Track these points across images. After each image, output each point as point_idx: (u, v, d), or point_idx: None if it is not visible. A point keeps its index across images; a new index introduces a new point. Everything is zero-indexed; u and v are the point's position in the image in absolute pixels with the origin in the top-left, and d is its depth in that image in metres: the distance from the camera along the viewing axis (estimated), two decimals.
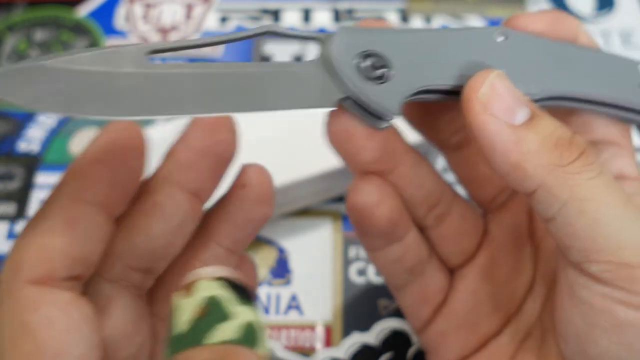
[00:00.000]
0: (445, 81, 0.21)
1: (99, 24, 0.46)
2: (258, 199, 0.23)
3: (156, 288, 0.24)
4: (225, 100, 0.19)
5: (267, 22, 0.46)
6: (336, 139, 0.22)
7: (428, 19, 0.46)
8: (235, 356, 0.17)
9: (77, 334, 0.19)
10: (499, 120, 0.20)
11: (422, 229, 0.26)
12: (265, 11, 0.47)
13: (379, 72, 0.20)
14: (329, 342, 0.33)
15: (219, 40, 0.20)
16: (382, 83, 0.20)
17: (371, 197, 0.24)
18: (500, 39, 0.22)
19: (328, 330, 0.33)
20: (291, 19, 0.46)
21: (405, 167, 0.24)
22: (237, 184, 0.23)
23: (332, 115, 0.21)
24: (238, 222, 0.23)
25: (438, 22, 0.46)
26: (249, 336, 0.18)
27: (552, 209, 0.20)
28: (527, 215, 0.26)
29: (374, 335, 0.33)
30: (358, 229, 0.25)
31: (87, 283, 0.20)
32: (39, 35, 0.46)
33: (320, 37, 0.21)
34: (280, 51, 0.45)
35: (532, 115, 0.20)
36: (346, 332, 0.33)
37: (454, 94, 0.21)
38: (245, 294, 0.19)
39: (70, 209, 0.19)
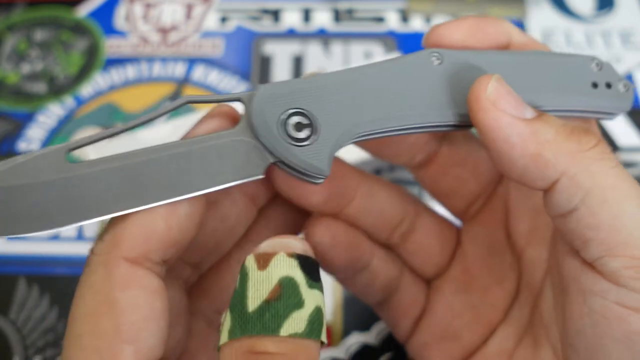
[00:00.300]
0: (383, 125, 0.20)
1: (99, 24, 0.46)
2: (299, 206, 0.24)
3: (197, 285, 0.24)
4: (151, 190, 0.19)
5: (266, 22, 0.46)
6: (283, 188, 0.23)
7: (428, 19, 0.46)
8: (305, 353, 0.17)
9: (156, 324, 0.19)
10: (510, 114, 0.20)
11: (389, 247, 0.26)
12: (265, 11, 0.47)
13: (305, 132, 0.20)
14: (329, 342, 0.33)
15: (138, 123, 0.19)
16: (309, 145, 0.19)
17: (324, 239, 0.24)
18: (436, 62, 0.21)
19: (328, 331, 0.33)
20: (291, 19, 0.46)
21: (361, 199, 0.24)
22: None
23: (273, 168, 0.21)
24: (277, 228, 0.25)
25: (438, 22, 0.46)
26: (316, 325, 0.18)
27: (575, 198, 0.19)
28: (502, 226, 0.26)
29: (374, 335, 0.33)
30: (322, 266, 0.25)
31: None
32: (39, 35, 0.46)
33: (241, 97, 0.20)
34: (280, 51, 0.45)
35: (539, 113, 0.20)
36: (346, 332, 0.33)
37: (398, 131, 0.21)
38: (316, 273, 0.18)
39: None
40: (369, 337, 0.33)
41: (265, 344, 0.17)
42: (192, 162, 0.19)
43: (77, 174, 0.18)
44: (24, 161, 0.18)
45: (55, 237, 0.37)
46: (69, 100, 0.42)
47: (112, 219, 0.19)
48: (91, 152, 0.38)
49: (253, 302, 0.17)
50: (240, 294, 0.18)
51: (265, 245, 0.18)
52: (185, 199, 0.19)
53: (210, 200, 0.22)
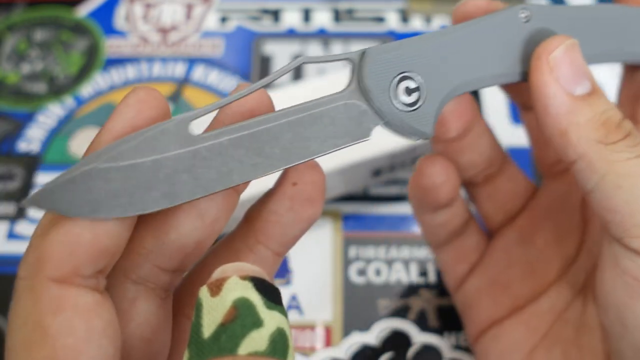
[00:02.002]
0: (481, 84, 0.22)
1: (99, 24, 0.46)
2: (309, 199, 0.21)
3: (190, 288, 0.22)
4: (272, 159, 0.19)
5: (266, 22, 0.46)
6: None
7: (428, 19, 0.46)
8: None
9: (97, 344, 0.17)
10: (560, 86, 0.21)
11: (469, 186, 0.27)
12: (265, 11, 0.47)
13: (413, 96, 0.20)
14: (329, 342, 0.33)
15: (259, 86, 0.19)
16: (416, 109, 0.20)
17: (439, 178, 0.25)
18: (524, 20, 0.22)
19: (328, 330, 0.33)
20: (291, 19, 0.46)
21: (472, 136, 0.25)
22: (287, 181, 0.21)
23: None
24: (287, 224, 0.21)
25: (438, 22, 0.46)
26: (279, 345, 0.17)
27: (591, 181, 0.21)
28: (579, 189, 0.27)
29: (374, 335, 0.33)
30: (417, 202, 0.27)
31: (111, 283, 0.19)
32: (39, 35, 0.46)
33: (350, 57, 0.20)
34: (280, 51, 0.45)
35: (591, 90, 0.21)
36: (346, 332, 0.33)
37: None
38: (274, 295, 0.18)
39: None
40: (369, 337, 0.33)
41: None
42: (307, 128, 0.19)
43: (203, 146, 0.18)
44: (150, 135, 0.18)
45: None
46: (69, 100, 0.42)
47: (34, 235, 0.18)
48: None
49: (208, 328, 0.17)
50: (196, 325, 0.17)
51: (217, 273, 0.17)
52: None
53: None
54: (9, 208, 0.38)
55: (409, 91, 0.20)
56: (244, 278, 0.17)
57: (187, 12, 0.47)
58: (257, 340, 0.16)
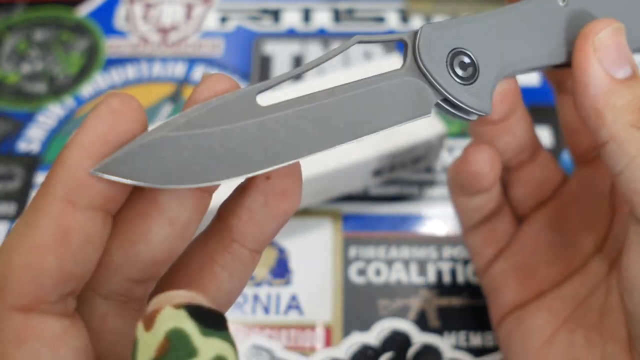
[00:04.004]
0: (527, 65, 0.22)
1: (99, 24, 0.46)
2: (284, 192, 0.19)
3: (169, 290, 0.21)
4: (337, 132, 0.19)
5: (266, 22, 0.46)
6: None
7: (428, 19, 0.46)
8: None
9: None
10: (602, 67, 0.21)
11: (502, 170, 0.28)
12: (265, 11, 0.47)
13: (469, 71, 0.21)
14: (329, 342, 0.33)
15: (319, 62, 0.20)
16: (472, 83, 0.21)
17: (484, 167, 0.26)
18: (561, 3, 0.23)
19: (328, 330, 0.33)
20: (291, 19, 0.46)
21: (513, 120, 0.26)
22: (260, 175, 0.19)
23: None
24: (262, 220, 0.20)
25: None
26: None
27: (620, 163, 0.21)
28: (610, 177, 0.27)
29: (374, 335, 0.33)
30: (457, 187, 0.27)
31: (79, 300, 0.18)
32: (39, 35, 0.46)
33: (403, 38, 0.21)
34: (280, 51, 0.45)
35: (632, 75, 0.22)
36: (346, 332, 0.33)
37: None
38: (213, 321, 0.17)
39: (62, 217, 0.16)
40: (369, 337, 0.33)
41: None
42: (368, 103, 0.19)
43: (270, 117, 0.18)
44: (219, 104, 0.18)
45: None
46: (69, 100, 0.42)
47: None
48: None
49: None
50: None
51: (151, 305, 0.16)
52: (79, 223, 0.16)
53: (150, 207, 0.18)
54: (9, 208, 0.38)
55: (463, 66, 0.21)
56: (177, 307, 0.16)
57: (187, 12, 0.47)
58: None
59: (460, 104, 0.21)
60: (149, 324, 0.16)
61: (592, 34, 0.22)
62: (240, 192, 0.20)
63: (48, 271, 0.16)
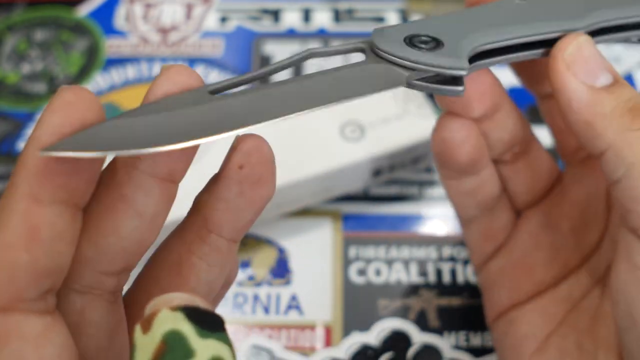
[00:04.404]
0: (494, 40, 0.22)
1: (99, 24, 0.46)
2: (259, 180, 0.19)
3: (144, 289, 0.21)
4: (288, 103, 0.19)
5: (266, 22, 0.46)
6: (443, 104, 0.25)
7: None
8: None
9: None
10: (579, 80, 0.21)
11: (497, 164, 0.27)
12: (265, 11, 0.47)
13: (430, 44, 0.21)
14: (329, 342, 0.33)
15: (262, 74, 0.20)
16: (440, 48, 0.21)
17: (458, 134, 0.25)
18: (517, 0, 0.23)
19: (328, 330, 0.33)
20: (291, 19, 0.46)
21: (500, 116, 0.26)
22: (232, 165, 0.19)
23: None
24: (238, 209, 0.20)
25: None
26: None
27: (618, 171, 0.21)
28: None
29: (374, 335, 0.33)
30: (439, 160, 0.27)
31: (56, 297, 0.18)
32: (39, 35, 0.46)
33: (359, 45, 0.21)
34: (280, 51, 0.45)
35: (613, 81, 0.22)
36: (346, 332, 0.33)
37: (516, 50, 0.22)
38: (210, 323, 0.17)
39: (29, 214, 0.16)
40: (369, 337, 0.33)
41: None
42: (332, 83, 0.20)
43: (220, 101, 0.18)
44: (170, 96, 0.18)
45: None
46: None
47: None
48: None
49: None
50: None
51: (148, 308, 0.16)
52: (48, 218, 0.16)
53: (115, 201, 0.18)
54: None
55: (424, 42, 0.21)
56: (174, 309, 0.16)
57: (187, 12, 0.47)
58: None
59: (432, 68, 0.20)
60: (146, 326, 0.16)
61: (561, 53, 0.22)
62: (214, 183, 0.20)
63: (22, 268, 0.16)
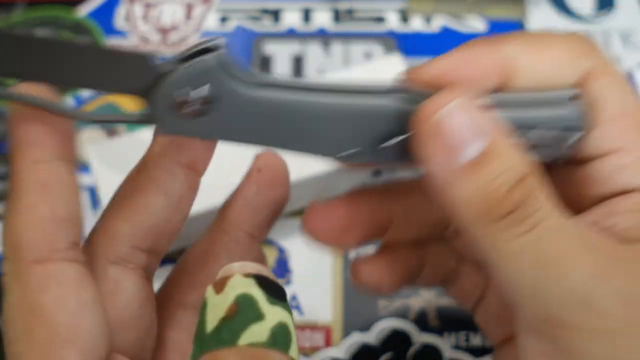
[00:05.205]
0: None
1: (99, 24, 0.46)
2: (273, 181, 0.24)
3: (179, 278, 0.24)
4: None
5: (266, 22, 0.46)
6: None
7: (428, 19, 0.46)
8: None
9: (88, 316, 0.18)
10: (442, 156, 0.18)
11: (445, 240, 0.26)
12: (265, 11, 0.47)
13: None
14: (329, 342, 0.33)
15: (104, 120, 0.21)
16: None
17: (372, 278, 0.25)
18: None
19: (328, 330, 0.33)
20: (291, 19, 0.46)
21: (399, 221, 0.24)
22: (253, 169, 0.24)
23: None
24: (256, 206, 0.24)
25: (438, 22, 0.46)
26: (281, 338, 0.17)
27: (478, 254, 0.19)
28: None
29: (374, 335, 0.33)
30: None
31: (95, 268, 0.20)
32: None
33: (136, 117, 0.20)
34: (280, 51, 0.45)
35: (483, 152, 0.18)
36: (346, 332, 0.33)
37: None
38: (277, 292, 0.18)
39: (36, 173, 0.18)
40: (369, 337, 0.33)
41: (224, 355, 0.17)
42: None
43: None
44: None
45: None
46: (68, 100, 0.42)
47: (2, 234, 0.19)
48: (92, 152, 0.38)
49: (211, 324, 0.18)
50: (200, 322, 0.18)
51: (222, 272, 0.18)
52: (52, 173, 0.18)
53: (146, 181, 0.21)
54: None
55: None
56: (247, 276, 0.18)
57: (187, 12, 0.47)
58: (257, 333, 0.17)
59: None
60: (219, 288, 0.18)
61: (422, 124, 0.18)
62: (237, 187, 0.24)
63: (47, 220, 0.18)
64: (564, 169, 0.21)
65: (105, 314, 0.19)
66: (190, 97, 0.19)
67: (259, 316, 0.17)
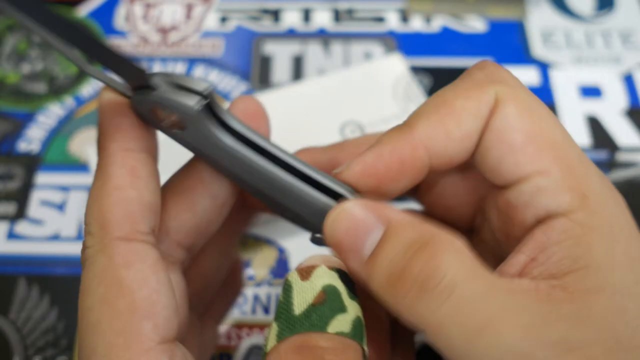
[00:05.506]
0: None
1: (99, 24, 0.46)
2: (255, 115, 0.23)
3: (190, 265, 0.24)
4: None
5: (266, 22, 0.46)
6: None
7: (428, 19, 0.46)
8: (352, 350, 0.18)
9: (166, 296, 0.19)
10: (350, 259, 0.19)
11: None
12: (265, 11, 0.47)
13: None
14: None
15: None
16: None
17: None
18: None
19: None
20: (291, 19, 0.46)
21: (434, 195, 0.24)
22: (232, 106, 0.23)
23: None
24: None
25: (438, 22, 0.46)
26: (359, 331, 0.19)
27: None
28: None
29: None
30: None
31: None
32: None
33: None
34: (280, 51, 0.45)
35: (380, 239, 0.19)
36: None
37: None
38: (353, 288, 0.19)
39: (127, 159, 0.20)
40: None
41: (316, 339, 0.18)
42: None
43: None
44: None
45: (55, 237, 0.37)
46: (69, 100, 0.42)
47: (85, 212, 0.20)
48: (91, 150, 0.38)
49: (299, 307, 0.19)
50: (286, 303, 0.19)
51: (307, 260, 0.19)
52: (141, 163, 0.20)
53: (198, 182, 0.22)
54: (9, 208, 0.38)
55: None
56: (331, 268, 0.19)
57: (187, 12, 0.47)
58: (342, 323, 0.18)
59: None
60: (305, 275, 0.19)
61: (327, 238, 0.20)
62: None
63: (133, 203, 0.19)
64: (497, 197, 0.21)
65: (175, 297, 0.20)
66: (167, 117, 0.20)
67: (342, 308, 0.18)
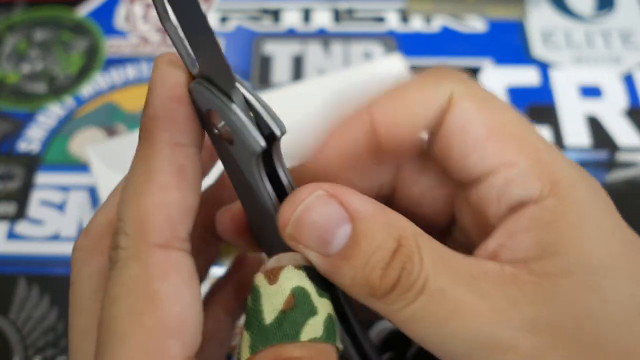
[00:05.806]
0: None
1: (99, 24, 0.46)
2: None
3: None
4: None
5: (266, 22, 0.46)
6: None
7: (428, 19, 0.46)
8: (326, 355, 0.17)
9: (196, 312, 0.18)
10: (313, 253, 0.18)
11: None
12: (265, 11, 0.47)
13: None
14: None
15: None
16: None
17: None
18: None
19: None
20: (291, 19, 0.46)
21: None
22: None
23: None
24: None
25: (438, 22, 0.46)
26: (331, 331, 0.18)
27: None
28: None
29: (374, 335, 0.33)
30: None
31: None
32: (39, 35, 0.46)
33: None
34: (280, 51, 0.45)
35: (350, 237, 0.18)
36: None
37: None
38: (322, 283, 0.18)
39: (176, 156, 0.18)
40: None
41: (290, 350, 0.17)
42: None
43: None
44: None
45: (55, 237, 0.37)
46: (69, 100, 0.42)
47: (121, 207, 0.18)
48: (91, 152, 0.38)
49: (269, 315, 0.18)
50: (255, 310, 0.18)
51: (272, 261, 0.18)
52: (188, 160, 0.18)
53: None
54: (9, 208, 0.38)
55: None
56: (298, 268, 0.18)
57: None
58: (314, 327, 0.18)
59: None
60: (272, 278, 0.18)
61: (283, 227, 0.18)
62: None
63: (175, 206, 0.18)
64: (468, 195, 0.21)
65: (202, 309, 0.18)
66: (222, 127, 0.18)
67: (312, 310, 0.18)
